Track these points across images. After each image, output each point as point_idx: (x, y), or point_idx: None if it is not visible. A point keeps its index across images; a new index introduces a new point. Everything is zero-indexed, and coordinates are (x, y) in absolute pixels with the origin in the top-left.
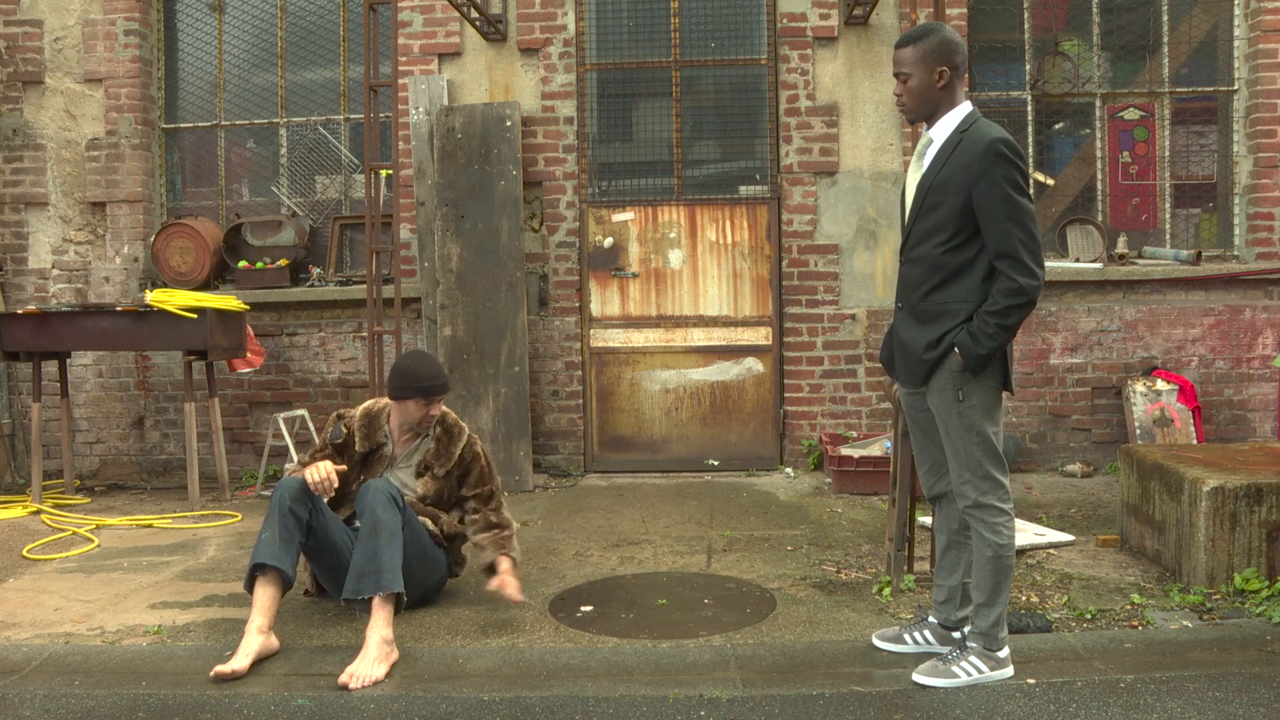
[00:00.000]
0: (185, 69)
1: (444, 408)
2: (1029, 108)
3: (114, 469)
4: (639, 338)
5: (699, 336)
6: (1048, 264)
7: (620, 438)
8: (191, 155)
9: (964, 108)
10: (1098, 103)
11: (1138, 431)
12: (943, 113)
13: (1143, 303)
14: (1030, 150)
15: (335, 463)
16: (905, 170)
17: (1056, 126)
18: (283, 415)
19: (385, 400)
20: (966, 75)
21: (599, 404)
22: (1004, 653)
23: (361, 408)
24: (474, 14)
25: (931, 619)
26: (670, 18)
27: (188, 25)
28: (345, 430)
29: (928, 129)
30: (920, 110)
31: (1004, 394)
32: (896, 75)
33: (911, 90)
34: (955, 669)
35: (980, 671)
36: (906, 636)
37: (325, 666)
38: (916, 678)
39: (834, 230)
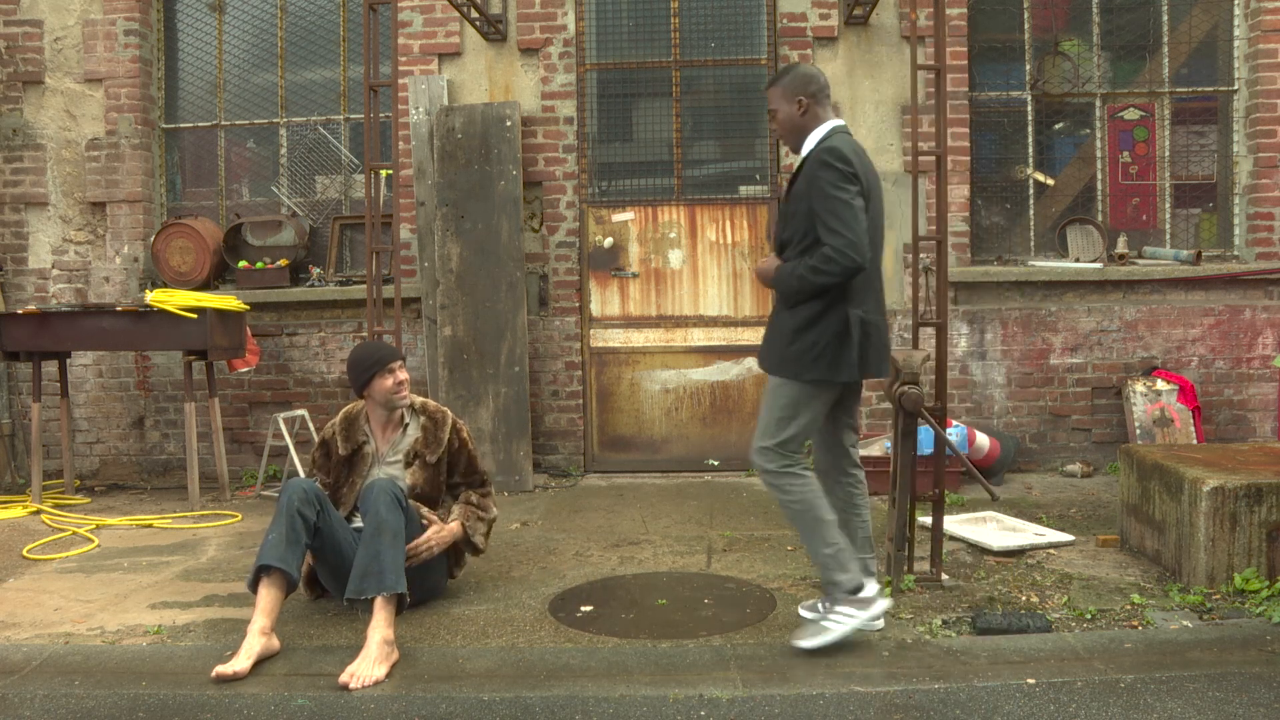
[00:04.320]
0: (185, 69)
1: (426, 400)
2: (1029, 108)
3: (114, 469)
4: (639, 338)
5: (699, 336)
6: (1048, 264)
7: (620, 438)
8: (191, 155)
9: (825, 127)
10: (1098, 103)
11: (1138, 431)
12: (809, 134)
13: (1143, 303)
14: (1030, 150)
15: (325, 469)
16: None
17: (1056, 126)
18: (283, 415)
19: (361, 402)
20: (830, 100)
21: (599, 404)
22: (867, 591)
23: (340, 413)
24: (474, 14)
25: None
26: (670, 18)
27: (188, 25)
28: (327, 442)
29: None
30: (793, 137)
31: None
32: (769, 112)
33: (781, 122)
34: (826, 624)
35: (851, 617)
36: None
37: (325, 666)
38: (795, 643)
39: None
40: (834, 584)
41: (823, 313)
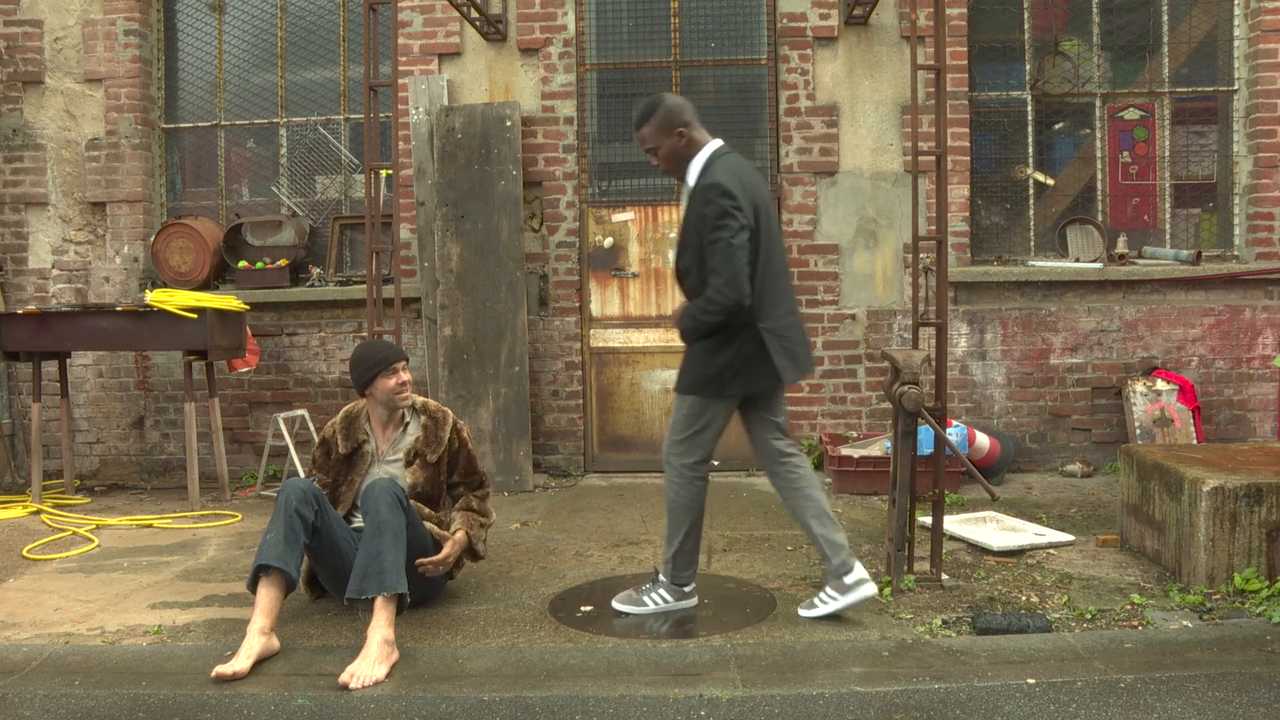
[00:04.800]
0: (185, 69)
1: (427, 399)
2: (1029, 108)
3: (114, 469)
4: (639, 338)
5: None
6: (1048, 264)
7: (620, 438)
8: (191, 155)
9: (705, 152)
10: (1098, 103)
11: (1138, 431)
12: (690, 162)
13: (1143, 303)
14: (1030, 150)
15: (325, 468)
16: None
17: (1056, 126)
18: (283, 415)
19: (362, 401)
20: (700, 125)
21: (599, 404)
22: (690, 587)
23: (340, 412)
24: (474, 14)
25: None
26: (670, 18)
27: (188, 25)
28: (327, 441)
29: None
30: (677, 169)
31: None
32: (648, 151)
33: (664, 157)
34: (645, 600)
35: (666, 602)
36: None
37: (325, 666)
38: (614, 602)
39: (834, 230)
40: (668, 570)
41: (735, 333)
